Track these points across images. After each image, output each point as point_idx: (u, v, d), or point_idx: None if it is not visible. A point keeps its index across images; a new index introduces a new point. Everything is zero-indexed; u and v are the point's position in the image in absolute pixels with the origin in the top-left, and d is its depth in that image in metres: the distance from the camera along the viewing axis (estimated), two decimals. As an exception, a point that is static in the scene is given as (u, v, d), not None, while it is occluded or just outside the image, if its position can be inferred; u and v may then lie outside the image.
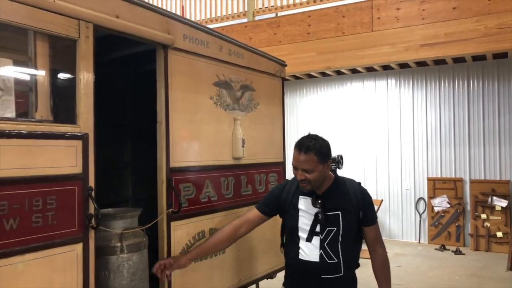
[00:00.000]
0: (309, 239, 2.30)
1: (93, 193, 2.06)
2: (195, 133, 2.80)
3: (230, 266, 3.04)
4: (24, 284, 1.78)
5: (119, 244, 2.21)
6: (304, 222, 2.33)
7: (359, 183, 2.48)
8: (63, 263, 1.94)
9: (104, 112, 2.30)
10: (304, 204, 2.36)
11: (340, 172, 7.50)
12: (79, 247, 2.00)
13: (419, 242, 8.01)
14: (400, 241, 8.18)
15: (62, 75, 2.15)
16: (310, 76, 8.88)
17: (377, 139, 8.51)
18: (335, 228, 2.29)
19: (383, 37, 6.49)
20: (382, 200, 8.17)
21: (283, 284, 2.47)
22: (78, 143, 2.02)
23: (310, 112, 9.26)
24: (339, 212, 2.30)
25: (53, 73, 2.08)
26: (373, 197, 8.23)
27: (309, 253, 2.29)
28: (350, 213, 2.32)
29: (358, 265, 2.43)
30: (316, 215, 2.30)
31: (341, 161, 7.56)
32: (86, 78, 2.06)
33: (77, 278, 1.99)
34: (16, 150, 1.78)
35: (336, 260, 2.26)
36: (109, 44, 2.48)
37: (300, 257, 2.31)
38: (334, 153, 7.49)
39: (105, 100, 2.43)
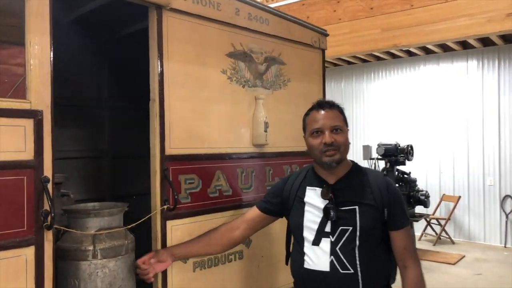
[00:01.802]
0: (316, 242, 1.76)
1: (49, 185, 1.67)
2: (201, 114, 2.32)
3: (248, 276, 2.53)
4: None
5: (91, 248, 1.80)
6: (311, 218, 1.80)
7: (385, 175, 1.86)
8: (6, 271, 1.56)
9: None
10: (312, 197, 1.84)
11: (411, 165, 6.70)
12: (29, 251, 1.62)
13: (505, 247, 6.89)
14: (482, 244, 7.12)
15: (7, 37, 1.78)
16: (378, 58, 8.02)
17: (455, 128, 7.47)
18: (350, 228, 1.74)
19: (458, 8, 5.54)
20: (460, 197, 7.17)
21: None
22: (28, 123, 1.63)
23: (378, 98, 8.40)
24: (356, 207, 1.76)
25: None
26: (450, 192, 7.25)
27: (316, 260, 1.76)
28: (371, 209, 1.75)
29: (388, 282, 1.80)
30: (325, 209, 1.74)
31: (411, 151, 6.73)
32: (39, 41, 1.66)
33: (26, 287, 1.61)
34: None
35: (352, 271, 1.70)
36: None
37: (306, 265, 1.78)
38: (403, 143, 6.68)
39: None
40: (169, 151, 2.14)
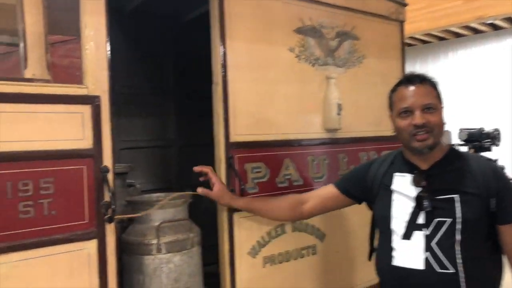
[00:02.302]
0: (407, 235, 1.53)
1: (110, 175, 1.57)
2: (268, 97, 2.12)
3: (323, 273, 2.32)
4: (12, 292, 1.37)
5: (154, 241, 1.70)
6: (400, 209, 1.56)
7: (494, 161, 1.56)
8: (69, 265, 1.48)
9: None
10: (401, 184, 1.59)
11: (498, 151, 6.03)
12: (91, 245, 1.53)
13: None
14: None
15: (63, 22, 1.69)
16: (457, 35, 7.33)
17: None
18: (449, 220, 1.48)
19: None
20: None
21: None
22: (85, 109, 1.54)
23: (458, 80, 7.70)
24: (455, 196, 1.49)
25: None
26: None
27: (407, 257, 1.52)
28: (474, 198, 1.48)
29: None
30: (418, 198, 1.50)
31: (498, 136, 6.07)
32: (95, 23, 1.56)
33: (90, 284, 1.52)
34: (-4, 119, 1.36)
35: (452, 271, 1.45)
36: None
37: (395, 262, 1.55)
38: (488, 127, 6.02)
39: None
40: (234, 137, 1.98)
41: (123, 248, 1.76)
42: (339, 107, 2.36)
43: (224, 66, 1.95)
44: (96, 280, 1.53)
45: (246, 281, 1.99)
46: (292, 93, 2.22)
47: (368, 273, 2.43)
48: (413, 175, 1.58)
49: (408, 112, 1.56)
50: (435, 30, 6.55)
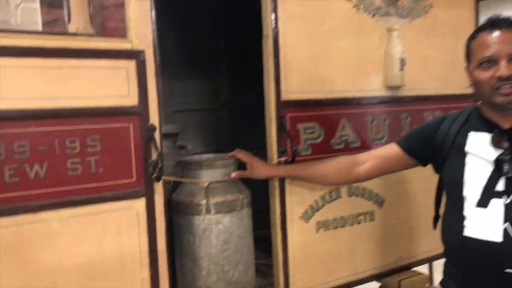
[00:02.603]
0: (483, 203, 1.36)
1: (157, 134, 1.52)
2: (323, 52, 1.96)
3: (380, 241, 2.19)
4: (64, 247, 1.39)
5: (204, 202, 1.65)
6: (475, 173, 1.39)
7: None
8: (118, 223, 1.47)
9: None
10: (477, 145, 1.41)
11: None
12: (139, 203, 1.51)
13: None
14: None
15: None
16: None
17: None
18: None
19: None
20: None
21: (440, 283, 1.56)
22: (130, 65, 1.48)
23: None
24: None
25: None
26: None
27: (482, 227, 1.36)
28: None
29: None
30: (498, 162, 1.32)
31: None
32: (138, -27, 1.47)
33: (139, 242, 1.51)
34: (41, 74, 1.34)
35: None
36: None
37: (467, 233, 1.39)
38: None
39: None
40: (285, 96, 1.86)
41: (173, 208, 1.73)
42: (402, 62, 2.15)
43: (275, 17, 1.81)
44: (145, 239, 1.52)
45: (298, 245, 1.91)
46: (349, 47, 2.04)
47: (430, 243, 2.29)
48: (492, 134, 1.39)
49: (491, 62, 1.35)
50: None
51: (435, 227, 1.68)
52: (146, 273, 1.52)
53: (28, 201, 1.32)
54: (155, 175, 1.50)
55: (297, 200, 1.91)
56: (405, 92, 2.23)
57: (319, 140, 1.97)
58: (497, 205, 1.34)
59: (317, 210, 1.97)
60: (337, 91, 2.01)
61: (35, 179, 1.33)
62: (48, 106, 1.35)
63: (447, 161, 1.51)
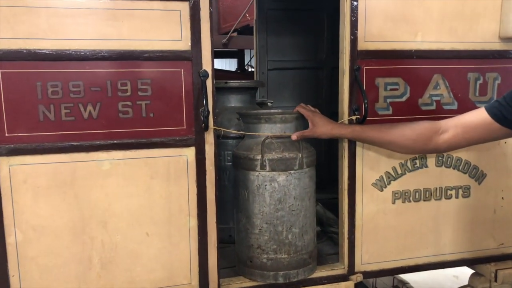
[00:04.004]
0: None
1: (209, 81, 1.45)
2: (415, -7, 1.66)
3: (475, 224, 1.85)
4: (114, 188, 1.43)
5: (259, 157, 1.55)
6: None
7: None
8: (167, 170, 1.47)
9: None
10: None
11: None
12: (189, 152, 1.48)
13: None
14: None
15: None
16: None
17: None
18: None
19: None
20: None
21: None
22: (183, 7, 1.41)
23: None
24: None
25: None
26: None
27: None
28: None
29: None
30: None
31: None
32: None
33: (188, 191, 1.49)
34: (95, 15, 1.35)
35: None
36: None
37: None
38: None
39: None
40: (363, 45, 1.63)
41: (234, 162, 1.68)
42: (525, 6, 1.71)
43: (356, -49, 1.57)
44: (194, 188, 1.49)
45: (368, 215, 1.72)
46: (452, -14, 1.69)
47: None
48: None
49: None
50: None
51: None
52: (194, 222, 1.51)
53: (82, 140, 1.38)
54: (204, 124, 1.44)
55: (370, 165, 1.70)
56: (528, 44, 1.79)
57: (403, 99, 1.71)
58: None
59: (395, 178, 1.74)
60: (430, 41, 1.70)
61: (89, 120, 1.38)
62: (101, 47, 1.36)
63: None
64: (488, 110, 1.32)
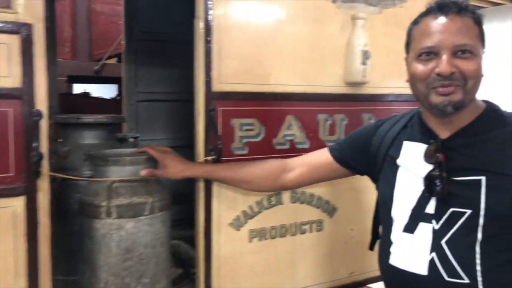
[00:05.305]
0: (410, 228, 1.15)
1: (44, 121, 1.31)
2: (269, 38, 1.72)
3: (329, 255, 1.95)
4: None
5: (104, 203, 1.43)
6: (405, 191, 1.17)
7: None
8: (-9, 224, 1.27)
9: None
10: (410, 157, 1.18)
11: None
12: (18, 202, 1.30)
13: None
14: None
15: None
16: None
17: None
18: (469, 211, 1.06)
19: None
20: None
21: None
22: (13, 40, 1.27)
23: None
24: (482, 178, 1.06)
25: None
26: None
27: (407, 256, 1.15)
28: (510, 182, 1.03)
29: None
30: (429, 179, 1.10)
31: None
32: None
33: (15, 247, 1.31)
34: None
35: (467, 281, 1.05)
36: None
37: (392, 261, 1.18)
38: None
39: None
40: (218, 86, 1.63)
41: (79, 209, 1.53)
42: (366, 55, 1.89)
43: (207, -4, 1.58)
44: (23, 244, 1.31)
45: (225, 256, 1.69)
46: (302, 34, 1.80)
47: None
48: (428, 145, 1.14)
49: (431, 54, 1.10)
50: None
51: (371, 248, 1.43)
52: (23, 283, 1.32)
53: None
54: (36, 170, 1.29)
55: (227, 204, 1.68)
56: (369, 89, 1.97)
57: (258, 139, 1.74)
58: (425, 231, 1.10)
59: (252, 217, 1.74)
60: (284, 84, 1.77)
61: None
62: None
63: (381, 173, 1.27)
64: (330, 150, 1.40)
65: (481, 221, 1.04)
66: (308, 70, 1.82)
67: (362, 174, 1.42)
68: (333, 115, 1.90)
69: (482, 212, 1.03)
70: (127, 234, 1.45)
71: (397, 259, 1.16)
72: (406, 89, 2.04)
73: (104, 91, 8.02)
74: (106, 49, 4.12)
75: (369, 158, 1.31)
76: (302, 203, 1.85)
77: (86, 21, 4.41)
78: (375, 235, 1.43)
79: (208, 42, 1.59)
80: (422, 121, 1.21)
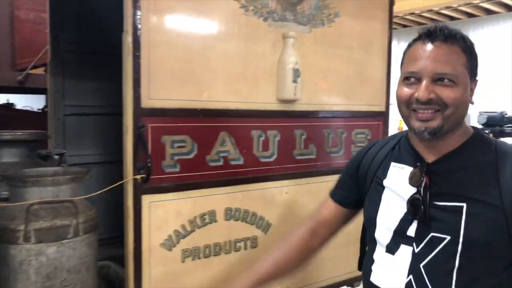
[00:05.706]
0: (391, 248, 1.15)
1: (-50, 140, 1.19)
2: (201, 54, 1.71)
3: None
4: None
5: (22, 228, 1.33)
6: (389, 212, 1.17)
7: None
8: None
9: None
10: (395, 179, 1.18)
11: None
12: None
13: None
14: None
15: None
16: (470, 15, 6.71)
17: None
18: (448, 237, 1.07)
19: None
20: None
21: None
22: None
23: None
24: (463, 205, 1.07)
25: None
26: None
27: (386, 276, 1.15)
28: (491, 211, 1.05)
29: None
30: (412, 202, 1.11)
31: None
32: None
33: None
34: None
35: None
36: None
37: (373, 279, 1.19)
38: (510, 112, 5.42)
39: None
40: (148, 102, 1.58)
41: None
42: (296, 73, 1.94)
43: (137, 8, 1.54)
44: None
45: (157, 278, 1.63)
46: (234, 52, 1.80)
47: (323, 273, 2.08)
48: (414, 168, 1.15)
49: (414, 79, 1.11)
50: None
51: (359, 268, 1.41)
52: None
53: None
54: None
55: (157, 225, 1.63)
56: (301, 106, 2.02)
57: (191, 156, 1.71)
58: (405, 253, 1.11)
59: (185, 236, 1.71)
60: (217, 101, 1.76)
61: None
62: None
63: (367, 194, 1.27)
64: (332, 197, 1.36)
65: (459, 248, 1.04)
66: (241, 87, 1.83)
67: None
68: (266, 131, 1.92)
69: (461, 239, 1.04)
70: (47, 260, 1.35)
71: (377, 278, 1.16)
72: (336, 106, 2.17)
73: (31, 102, 7.55)
74: (31, 58, 3.87)
75: (359, 181, 1.30)
76: (236, 220, 1.84)
77: (8, 28, 4.12)
78: (363, 256, 1.42)
79: (136, 57, 1.55)
80: (410, 143, 1.22)
